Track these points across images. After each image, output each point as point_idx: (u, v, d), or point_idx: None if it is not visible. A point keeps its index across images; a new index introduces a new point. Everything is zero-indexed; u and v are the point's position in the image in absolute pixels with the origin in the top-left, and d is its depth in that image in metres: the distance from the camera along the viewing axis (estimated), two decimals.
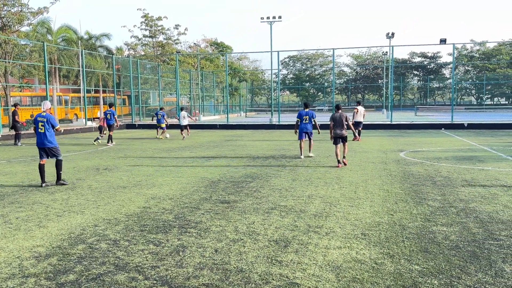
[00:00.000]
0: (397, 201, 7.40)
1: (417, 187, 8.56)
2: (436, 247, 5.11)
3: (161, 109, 23.08)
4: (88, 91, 39.43)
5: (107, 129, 19.16)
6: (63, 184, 9.33)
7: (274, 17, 39.45)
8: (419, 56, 78.13)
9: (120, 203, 7.51)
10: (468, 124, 26.83)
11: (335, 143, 11.75)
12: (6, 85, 25.80)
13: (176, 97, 37.42)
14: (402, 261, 4.67)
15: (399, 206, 7.05)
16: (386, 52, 61.42)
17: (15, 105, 20.08)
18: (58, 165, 9.39)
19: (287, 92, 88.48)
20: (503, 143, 17.47)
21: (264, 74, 78.79)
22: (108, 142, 18.82)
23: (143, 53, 47.70)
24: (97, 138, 19.47)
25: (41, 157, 9.42)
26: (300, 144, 13.58)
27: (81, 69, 31.08)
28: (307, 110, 13.69)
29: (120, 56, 44.66)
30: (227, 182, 9.37)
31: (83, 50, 31.96)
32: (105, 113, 19.47)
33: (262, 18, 40.14)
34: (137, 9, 44.73)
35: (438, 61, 77.58)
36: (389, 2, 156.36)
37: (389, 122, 29.08)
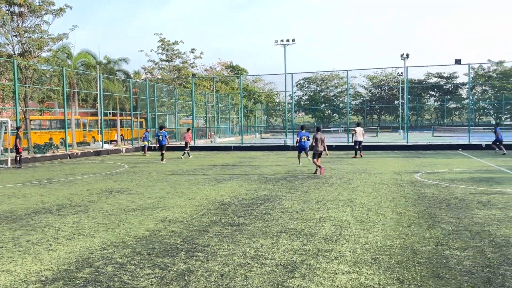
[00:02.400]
0: (410, 224, 7.24)
1: (431, 210, 8.38)
2: (448, 272, 4.95)
3: (161, 128, 22.42)
4: (106, 114, 40.08)
5: (161, 149, 21.56)
6: None
7: (288, 40, 39.84)
8: (435, 77, 77.66)
9: (130, 226, 7.51)
10: (486, 144, 26.35)
11: (314, 157, 15.42)
12: (26, 109, 26.40)
13: (192, 119, 37.76)
14: (412, 287, 4.53)
15: (412, 230, 6.89)
16: (401, 73, 61.25)
17: (17, 128, 20.40)
18: None
19: (302, 113, 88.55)
20: None
21: (279, 95, 79.21)
22: (162, 160, 21.16)
23: (160, 76, 48.49)
24: (184, 153, 23.81)
25: None
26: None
27: (98, 93, 31.70)
28: (303, 131, 18.10)
29: (137, 80, 45.48)
30: (237, 205, 9.32)
31: (101, 74, 32.65)
32: (157, 135, 22.24)
33: (276, 41, 40.61)
34: (154, 34, 45.77)
35: (455, 81, 76.94)
36: (404, 23, 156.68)
37: (405, 143, 28.77)
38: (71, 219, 8.20)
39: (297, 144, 18.12)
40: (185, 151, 23.93)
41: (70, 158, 25.13)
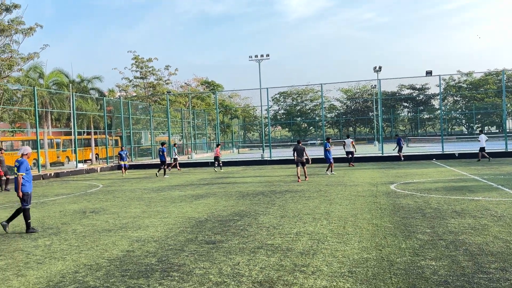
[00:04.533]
0: (386, 236, 7.27)
1: (406, 220, 8.46)
2: (424, 283, 4.97)
3: (162, 144, 24.02)
4: (80, 133, 39.39)
5: (164, 163, 22.76)
6: (33, 232, 8.86)
7: (262, 55, 40.18)
8: (407, 88, 79.32)
9: (104, 247, 7.32)
10: (459, 154, 26.94)
11: (297, 166, 17.14)
12: None
13: (168, 136, 37.48)
14: None
15: (388, 241, 6.92)
16: (375, 85, 62.37)
17: None
18: (23, 214, 8.92)
19: (279, 127, 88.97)
20: (494, 172, 17.49)
21: (256, 110, 79.49)
22: (157, 174, 22.91)
23: (134, 94, 48.10)
24: (216, 166, 25.27)
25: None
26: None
27: (72, 112, 31.19)
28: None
29: (111, 98, 44.98)
30: (214, 221, 9.21)
31: (74, 93, 32.17)
32: (159, 150, 23.60)
33: (250, 57, 40.90)
34: (128, 52, 45.65)
35: (427, 93, 78.78)
36: (376, 36, 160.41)
37: (380, 154, 29.15)
38: (42, 242, 7.95)
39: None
40: (216, 165, 25.22)
41: (43, 179, 24.52)
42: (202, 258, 6.40)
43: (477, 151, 24.69)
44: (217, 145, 26.50)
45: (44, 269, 6.20)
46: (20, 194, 8.91)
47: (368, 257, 6.06)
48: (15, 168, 9.02)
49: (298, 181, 16.61)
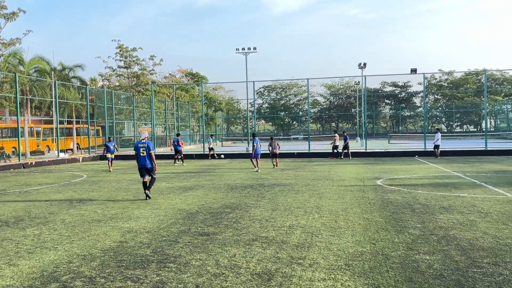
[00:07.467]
0: (378, 230, 7.37)
1: (396, 215, 8.58)
2: (420, 276, 5.06)
3: (177, 135, 25.46)
4: (61, 122, 38.67)
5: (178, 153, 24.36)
6: (148, 197, 11.21)
7: (249, 48, 40.07)
8: (390, 86, 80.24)
9: (96, 238, 7.23)
10: (440, 151, 27.40)
11: (272, 157, 20.81)
12: None
13: (151, 127, 37.11)
14: None
15: (381, 235, 7.01)
16: (359, 81, 62.91)
17: None
18: (152, 181, 11.49)
19: (263, 121, 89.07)
20: (476, 169, 17.87)
21: (240, 103, 79.36)
22: (182, 163, 24.28)
23: (118, 83, 47.45)
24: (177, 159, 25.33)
25: (143, 176, 11.37)
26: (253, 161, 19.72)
27: (54, 100, 30.56)
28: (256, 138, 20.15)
29: (94, 87, 44.24)
30: (205, 213, 9.18)
31: (56, 81, 31.53)
32: (174, 140, 24.99)
33: (237, 49, 40.74)
34: (112, 40, 45.04)
35: (409, 90, 79.81)
36: (360, 32, 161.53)
37: (363, 150, 29.45)
38: (31, 232, 7.80)
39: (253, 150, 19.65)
40: (177, 158, 25.06)
41: (24, 168, 24.04)
42: (198, 249, 6.38)
43: (458, 149, 25.16)
44: (173, 142, 25.21)
45: (36, 259, 6.10)
46: (157, 167, 11.53)
47: (363, 251, 6.13)
48: (142, 149, 11.25)
49: (274, 167, 20.34)
